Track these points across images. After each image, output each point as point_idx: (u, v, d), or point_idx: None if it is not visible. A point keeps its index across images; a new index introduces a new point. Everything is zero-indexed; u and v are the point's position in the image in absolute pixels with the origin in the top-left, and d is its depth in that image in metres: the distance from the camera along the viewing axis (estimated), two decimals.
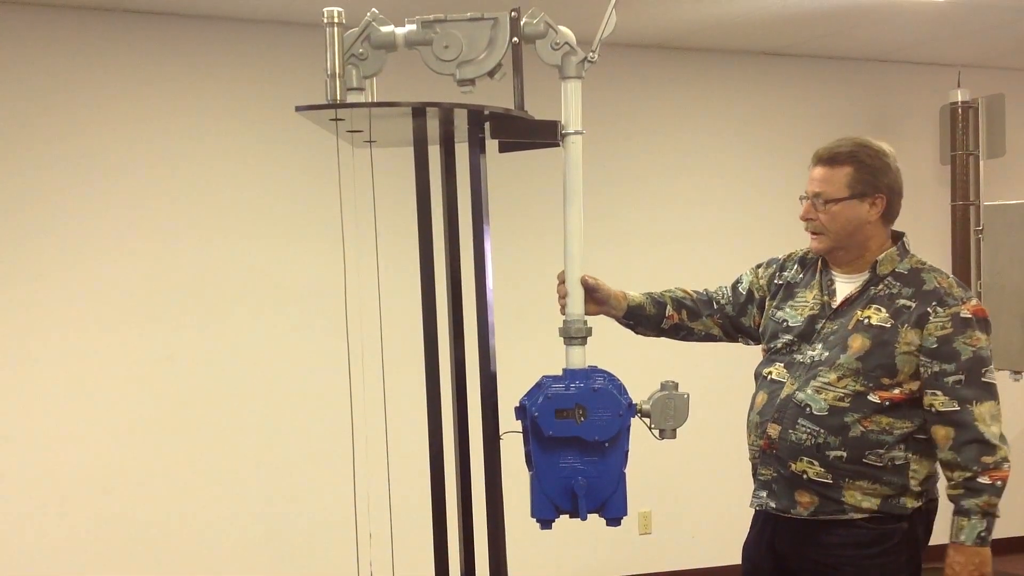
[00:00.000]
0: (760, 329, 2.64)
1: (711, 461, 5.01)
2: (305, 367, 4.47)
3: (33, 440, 4.16)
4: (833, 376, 2.39)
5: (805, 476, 2.40)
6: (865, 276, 2.45)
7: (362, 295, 2.41)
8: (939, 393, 2.32)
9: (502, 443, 2.11)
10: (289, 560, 4.48)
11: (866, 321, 2.39)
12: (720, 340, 2.73)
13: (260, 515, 4.44)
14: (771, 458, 2.46)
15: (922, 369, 2.34)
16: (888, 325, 2.37)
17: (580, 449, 2.12)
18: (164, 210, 4.32)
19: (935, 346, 2.33)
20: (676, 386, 2.24)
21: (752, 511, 2.58)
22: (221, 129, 4.40)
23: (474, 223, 2.08)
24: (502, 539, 2.10)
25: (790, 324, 2.52)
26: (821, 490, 2.39)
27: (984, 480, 2.28)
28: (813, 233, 2.48)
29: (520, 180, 4.45)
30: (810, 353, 2.45)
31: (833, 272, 2.51)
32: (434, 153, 2.09)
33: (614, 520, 2.17)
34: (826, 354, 2.42)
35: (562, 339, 2.22)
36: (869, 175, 2.41)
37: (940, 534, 2.41)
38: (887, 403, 2.36)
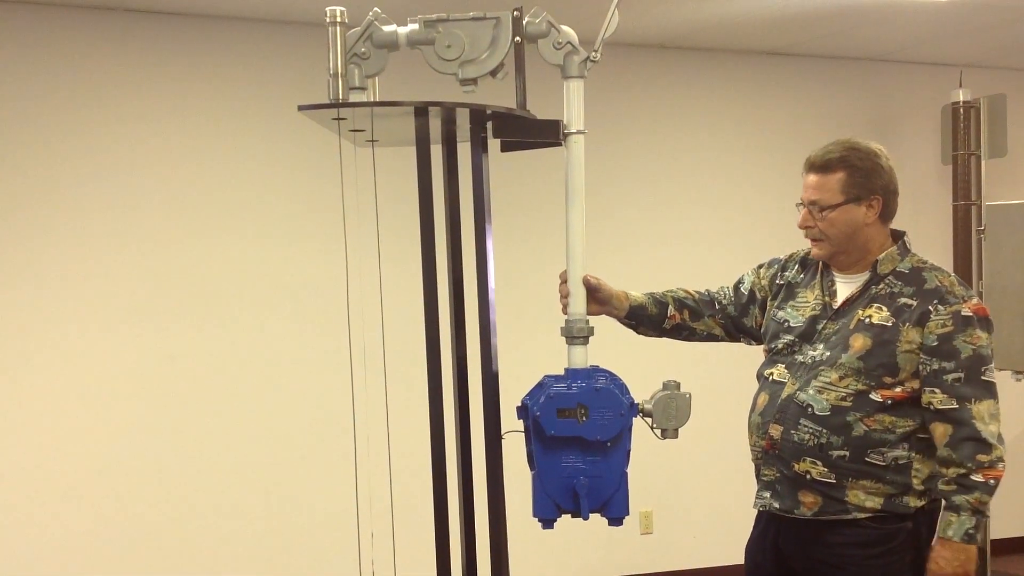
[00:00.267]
0: (762, 329, 2.64)
1: (713, 461, 5.01)
2: (307, 366, 4.47)
3: (34, 440, 4.16)
4: (835, 376, 2.39)
5: (808, 476, 2.40)
6: (866, 276, 2.46)
7: (364, 294, 2.41)
8: (937, 391, 2.32)
9: (504, 442, 2.11)
10: (291, 559, 4.48)
11: (867, 320, 2.39)
12: (722, 340, 2.73)
13: (261, 514, 4.44)
14: (774, 459, 2.46)
15: (921, 367, 2.34)
16: (889, 324, 2.37)
17: (582, 449, 2.12)
18: (166, 210, 4.32)
19: (935, 344, 2.33)
20: (678, 386, 2.24)
21: (753, 511, 2.58)
22: (223, 128, 4.40)
23: (476, 222, 2.08)
24: (504, 539, 2.10)
25: (791, 324, 2.52)
26: (824, 490, 2.39)
27: (977, 478, 2.29)
28: (813, 240, 2.48)
29: (522, 180, 4.45)
30: (811, 353, 2.45)
31: (834, 272, 2.51)
32: (436, 152, 2.09)
33: (616, 520, 2.17)
34: (828, 354, 2.42)
35: (564, 338, 2.22)
36: (862, 178, 2.41)
37: None
38: (889, 402, 2.36)
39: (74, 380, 4.20)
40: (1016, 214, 4.47)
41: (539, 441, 2.13)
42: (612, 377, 2.16)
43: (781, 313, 2.56)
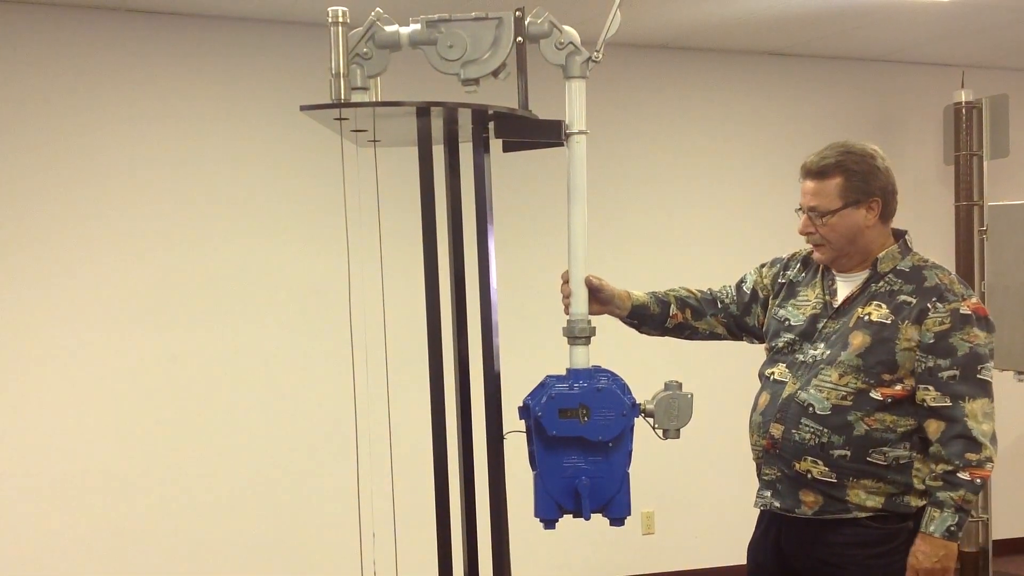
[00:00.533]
0: (763, 328, 2.64)
1: (714, 461, 5.01)
2: (309, 367, 4.47)
3: (36, 440, 4.16)
4: (835, 374, 2.39)
5: (809, 475, 2.40)
6: (866, 274, 2.46)
7: (366, 295, 2.41)
8: (931, 388, 2.33)
9: (506, 443, 2.11)
10: (293, 559, 4.48)
11: (867, 318, 2.39)
12: (724, 338, 2.73)
13: (264, 514, 4.44)
14: (775, 458, 2.46)
15: (917, 364, 2.35)
16: (888, 321, 2.37)
17: (584, 449, 2.12)
18: (167, 210, 4.32)
19: (932, 341, 2.33)
20: (680, 386, 2.24)
21: (756, 511, 2.58)
22: (225, 128, 4.40)
23: (478, 222, 2.08)
24: (505, 539, 2.10)
25: (792, 323, 2.52)
26: (825, 489, 2.39)
27: (964, 476, 2.29)
28: (815, 245, 2.48)
29: (524, 180, 4.45)
30: (812, 352, 2.45)
31: (834, 271, 2.51)
32: (438, 153, 2.09)
33: (617, 520, 2.17)
34: (828, 352, 2.42)
35: (566, 339, 2.22)
36: (860, 181, 2.41)
37: None
38: (889, 400, 2.36)
39: (76, 380, 4.21)
40: (1018, 214, 4.47)
41: (541, 441, 2.13)
42: (614, 377, 2.16)
43: (782, 312, 2.56)
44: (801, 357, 2.47)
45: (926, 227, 5.02)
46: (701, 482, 5.11)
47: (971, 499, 2.30)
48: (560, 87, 2.15)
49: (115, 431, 4.25)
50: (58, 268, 4.18)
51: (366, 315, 2.43)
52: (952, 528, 2.29)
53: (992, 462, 2.31)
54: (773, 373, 2.53)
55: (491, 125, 2.10)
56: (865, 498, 2.38)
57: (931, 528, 2.31)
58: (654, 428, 2.24)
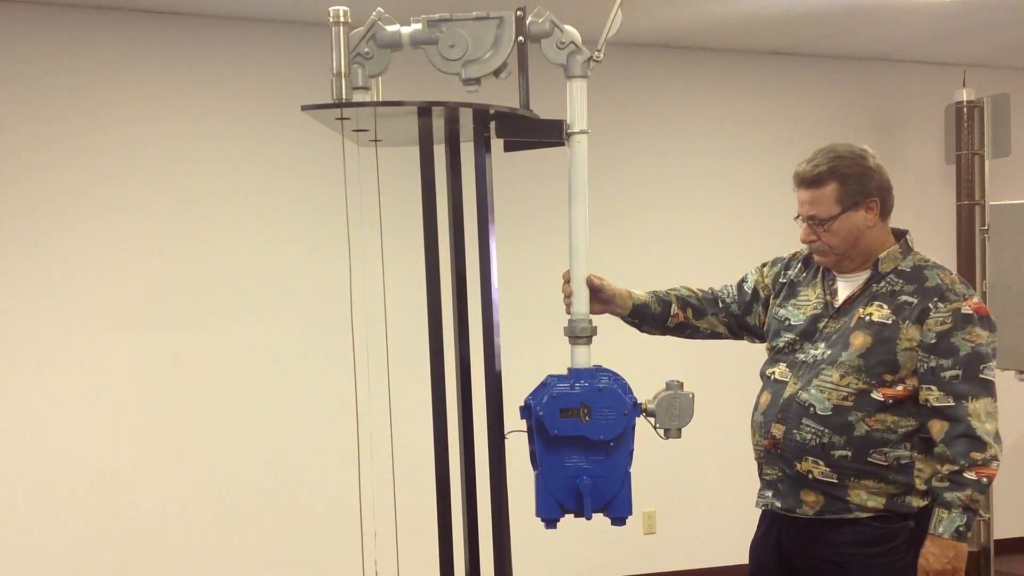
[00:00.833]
0: (764, 328, 2.64)
1: (716, 461, 5.01)
2: (310, 367, 4.47)
3: (38, 440, 4.17)
4: (836, 375, 2.39)
5: (810, 476, 2.40)
6: (867, 274, 2.45)
7: (367, 294, 2.41)
8: (934, 388, 2.33)
9: (507, 442, 2.11)
10: (294, 559, 4.48)
11: (868, 318, 2.39)
12: (725, 338, 2.73)
13: (265, 514, 4.44)
14: (776, 458, 2.46)
15: (919, 364, 2.35)
16: (889, 321, 2.37)
17: (585, 448, 2.12)
18: (169, 210, 4.32)
19: (934, 341, 2.33)
20: (681, 385, 2.24)
21: (757, 511, 2.58)
22: (226, 128, 4.40)
23: (479, 222, 2.08)
24: (507, 538, 2.10)
25: (792, 323, 2.52)
26: (827, 489, 2.39)
27: (970, 475, 2.29)
28: (819, 252, 2.48)
29: (525, 179, 4.45)
30: (813, 352, 2.45)
31: (836, 272, 2.51)
32: (439, 152, 2.09)
33: (619, 519, 2.17)
34: (828, 352, 2.42)
35: (567, 338, 2.22)
36: (855, 184, 2.40)
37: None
38: (890, 400, 2.36)
39: (77, 380, 4.21)
40: (1020, 214, 4.47)
41: (542, 441, 2.13)
42: (615, 377, 2.16)
43: (783, 311, 2.56)
44: (802, 357, 2.47)
45: (927, 226, 5.02)
46: (702, 482, 5.11)
47: (978, 498, 2.30)
48: (561, 86, 2.15)
49: (116, 431, 4.25)
50: (59, 268, 4.18)
51: (367, 315, 2.43)
52: (961, 528, 2.29)
53: (997, 460, 2.30)
54: (774, 373, 2.53)
55: (492, 125, 2.10)
56: (866, 498, 2.38)
57: (940, 529, 2.30)
58: (655, 428, 2.24)
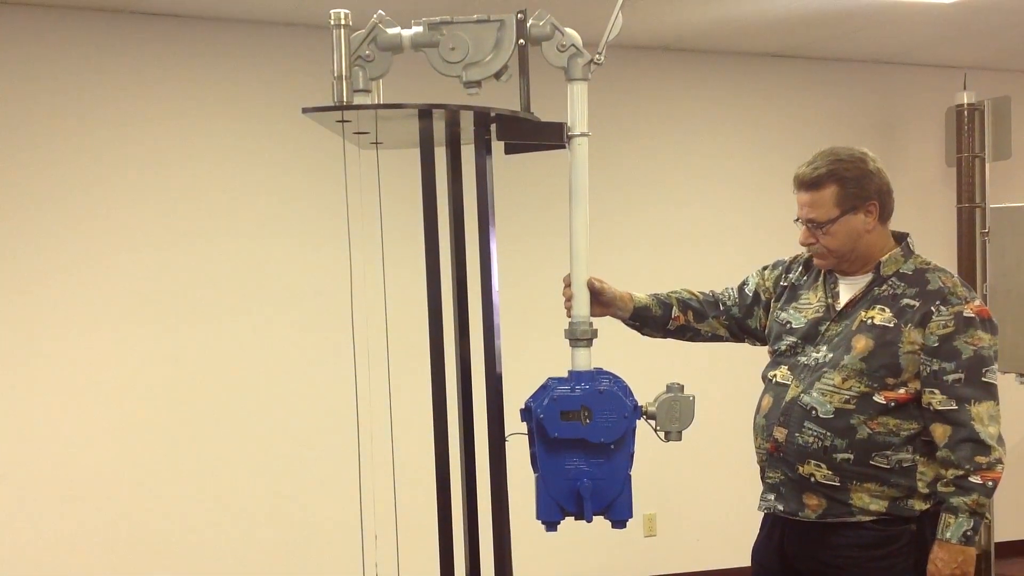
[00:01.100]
0: (765, 331, 2.64)
1: (717, 463, 5.00)
2: (310, 368, 4.47)
3: (37, 440, 4.17)
4: (838, 378, 2.39)
5: (813, 479, 2.40)
6: (868, 277, 2.45)
7: (368, 296, 2.41)
8: (937, 391, 2.32)
9: (507, 445, 2.11)
10: (294, 561, 4.48)
11: (870, 321, 2.39)
12: (726, 340, 2.73)
13: (265, 516, 4.44)
14: (778, 461, 2.46)
15: (922, 367, 2.35)
16: (892, 325, 2.37)
17: (585, 451, 2.12)
18: (170, 211, 4.32)
19: (936, 344, 2.33)
20: (682, 388, 2.24)
21: (758, 513, 2.58)
22: (227, 130, 4.41)
23: (480, 225, 2.08)
24: (507, 541, 2.10)
25: (794, 326, 2.52)
26: (829, 493, 2.39)
27: (975, 479, 2.29)
28: (818, 255, 2.48)
29: (526, 182, 4.45)
30: (814, 355, 2.45)
31: (836, 274, 2.51)
32: (440, 155, 2.09)
33: (619, 522, 2.17)
34: (830, 355, 2.42)
35: (568, 341, 2.22)
36: (855, 187, 2.40)
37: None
38: (892, 404, 2.36)
39: (79, 380, 4.21)
40: (1020, 216, 4.47)
41: (543, 443, 2.13)
42: (616, 379, 2.16)
43: (784, 315, 2.56)
44: (803, 360, 2.47)
45: (928, 229, 5.01)
46: (703, 484, 5.11)
47: (984, 502, 2.29)
48: (562, 89, 2.15)
49: (116, 431, 4.25)
50: (59, 268, 4.18)
51: (368, 317, 2.43)
52: (968, 533, 2.29)
53: (1002, 464, 2.30)
54: (776, 376, 2.52)
55: (493, 127, 2.10)
56: (869, 501, 2.38)
57: (947, 535, 2.30)
58: (656, 430, 2.23)
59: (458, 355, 2.15)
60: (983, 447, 2.29)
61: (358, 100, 2.03)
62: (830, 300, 2.49)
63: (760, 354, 2.69)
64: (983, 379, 2.33)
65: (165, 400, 4.31)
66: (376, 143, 2.23)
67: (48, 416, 4.18)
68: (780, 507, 2.47)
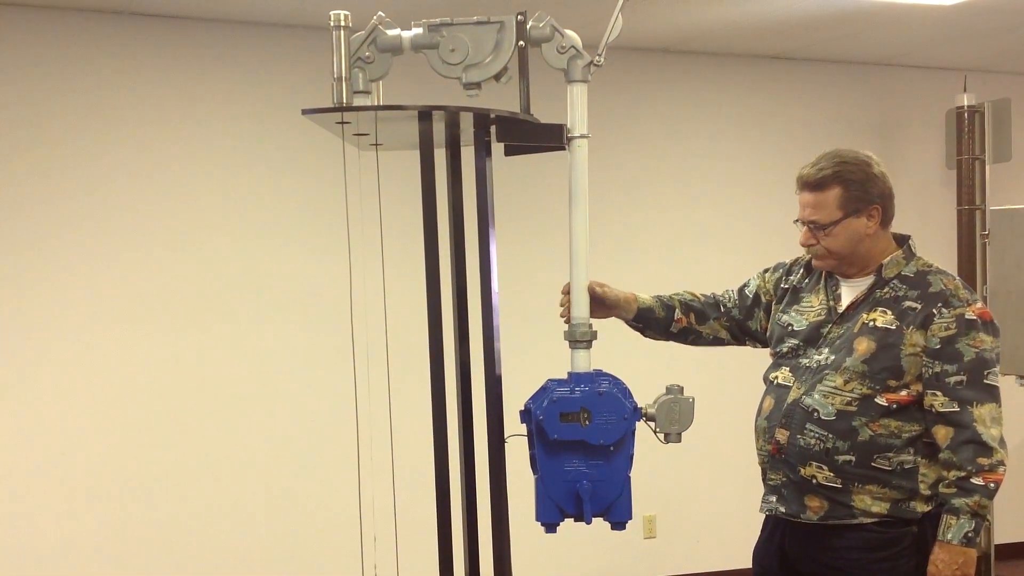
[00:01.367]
0: (767, 333, 2.64)
1: (716, 465, 5.00)
2: (310, 370, 4.47)
3: (38, 442, 4.16)
4: (840, 380, 2.38)
5: (814, 481, 2.40)
6: (870, 279, 2.45)
7: (367, 298, 2.41)
8: (939, 393, 2.32)
9: (507, 446, 2.11)
10: (294, 562, 4.47)
11: (871, 324, 2.39)
12: (728, 343, 2.72)
13: (265, 517, 4.44)
14: (780, 463, 2.45)
15: (924, 369, 2.34)
16: (893, 327, 2.36)
17: (585, 453, 2.12)
18: (169, 212, 4.32)
19: (938, 347, 2.33)
20: (681, 390, 2.24)
21: (758, 515, 2.58)
22: (227, 132, 4.40)
23: (479, 226, 2.08)
24: (507, 543, 2.10)
25: (795, 328, 2.52)
26: (830, 495, 2.39)
27: (977, 481, 2.28)
28: (817, 256, 2.48)
29: (525, 183, 4.45)
30: (816, 357, 2.45)
31: (838, 276, 2.51)
32: (440, 156, 2.09)
33: (619, 524, 2.17)
34: (832, 358, 2.42)
35: (567, 342, 2.22)
36: (859, 190, 2.40)
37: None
38: (894, 406, 2.35)
39: (79, 382, 4.21)
40: (1020, 218, 4.47)
41: (542, 445, 2.13)
42: (615, 381, 2.16)
43: (785, 317, 2.56)
44: (805, 362, 2.47)
45: (928, 231, 4.99)
46: (703, 486, 5.10)
47: (986, 504, 2.29)
48: (562, 91, 2.15)
49: (115, 432, 4.25)
50: (59, 270, 4.18)
51: (368, 318, 2.43)
52: (970, 534, 2.29)
53: (1004, 465, 2.30)
54: (777, 377, 2.52)
55: (493, 129, 2.10)
56: (871, 503, 2.37)
57: (949, 536, 2.30)
58: (655, 432, 2.23)
59: (458, 356, 2.15)
60: (985, 449, 2.29)
61: (358, 101, 2.03)
62: (832, 302, 2.49)
63: (760, 356, 2.69)
64: (985, 381, 2.32)
65: (165, 401, 4.31)
66: (376, 145, 2.23)
67: (48, 417, 4.18)
68: (782, 509, 2.47)
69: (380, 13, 2.07)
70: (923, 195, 5.34)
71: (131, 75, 4.27)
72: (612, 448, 2.12)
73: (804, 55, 5.20)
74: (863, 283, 2.46)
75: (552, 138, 2.14)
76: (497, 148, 2.18)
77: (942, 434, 2.33)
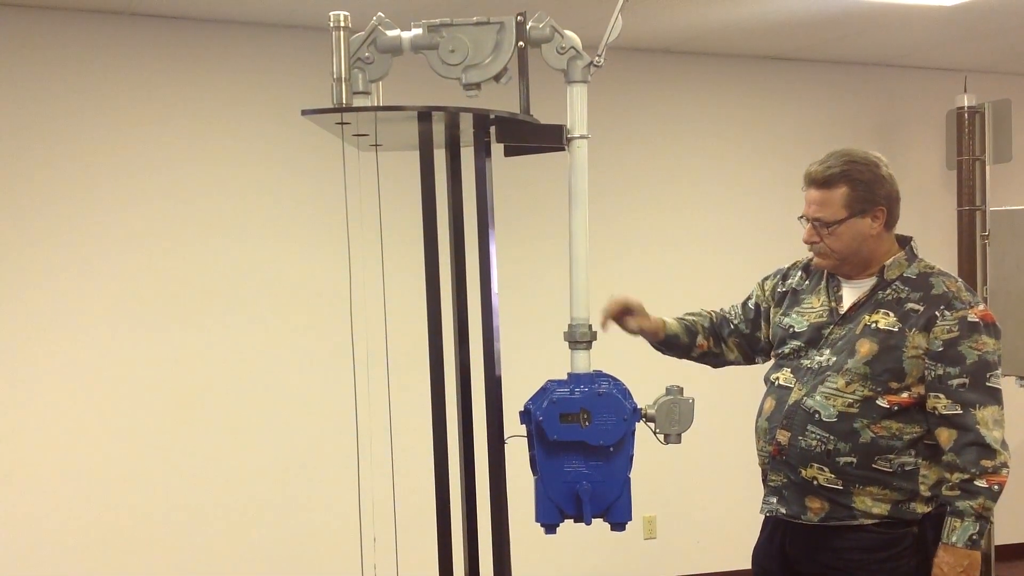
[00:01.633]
0: (769, 337, 2.64)
1: (716, 466, 5.00)
2: (310, 370, 4.47)
3: (38, 441, 4.16)
4: (841, 382, 2.38)
5: (815, 482, 2.40)
6: (872, 281, 2.45)
7: (367, 299, 2.40)
8: (942, 396, 2.32)
9: (506, 447, 2.11)
10: (293, 563, 4.47)
11: (874, 325, 2.39)
12: (739, 363, 2.74)
13: (264, 518, 4.44)
14: (781, 464, 2.45)
15: (927, 372, 2.34)
16: (896, 329, 2.36)
17: (585, 453, 2.12)
18: (170, 213, 4.32)
19: (941, 349, 2.33)
20: (681, 391, 2.24)
21: (758, 515, 2.58)
22: (227, 132, 4.41)
23: (479, 227, 2.08)
24: (506, 544, 2.09)
25: (797, 330, 2.52)
26: (831, 496, 2.39)
27: (981, 483, 2.28)
28: (819, 254, 2.47)
29: (525, 184, 4.45)
30: (818, 359, 2.45)
31: (840, 277, 2.51)
32: (439, 157, 2.09)
33: (619, 525, 2.16)
34: (834, 359, 2.42)
35: (567, 343, 2.21)
36: (865, 191, 2.39)
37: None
38: (896, 407, 2.35)
39: (79, 382, 4.21)
40: (1020, 219, 4.47)
41: (542, 446, 2.13)
42: (615, 382, 2.16)
43: (787, 319, 2.56)
44: (807, 363, 2.47)
45: (928, 232, 5.02)
46: (703, 487, 5.10)
47: (990, 506, 2.29)
48: (562, 91, 2.15)
49: (115, 432, 4.25)
50: (59, 269, 4.18)
51: (367, 319, 2.43)
52: (974, 536, 2.29)
53: (1007, 467, 2.30)
54: (778, 378, 2.52)
55: (492, 129, 2.10)
56: (871, 505, 2.37)
57: (953, 538, 2.30)
58: (655, 433, 2.23)
59: (457, 357, 2.15)
60: (989, 451, 2.29)
61: (358, 102, 2.03)
62: (833, 304, 2.48)
63: None
64: (988, 383, 2.32)
65: (164, 402, 4.31)
66: (375, 145, 2.23)
67: (48, 417, 4.18)
68: (782, 510, 2.47)
69: (380, 14, 2.07)
70: (923, 196, 5.34)
71: (131, 75, 4.27)
72: (612, 449, 2.11)
73: (804, 55, 5.20)
74: (865, 284, 2.46)
75: (552, 139, 2.14)
76: (497, 149, 2.18)
77: (945, 436, 2.33)
